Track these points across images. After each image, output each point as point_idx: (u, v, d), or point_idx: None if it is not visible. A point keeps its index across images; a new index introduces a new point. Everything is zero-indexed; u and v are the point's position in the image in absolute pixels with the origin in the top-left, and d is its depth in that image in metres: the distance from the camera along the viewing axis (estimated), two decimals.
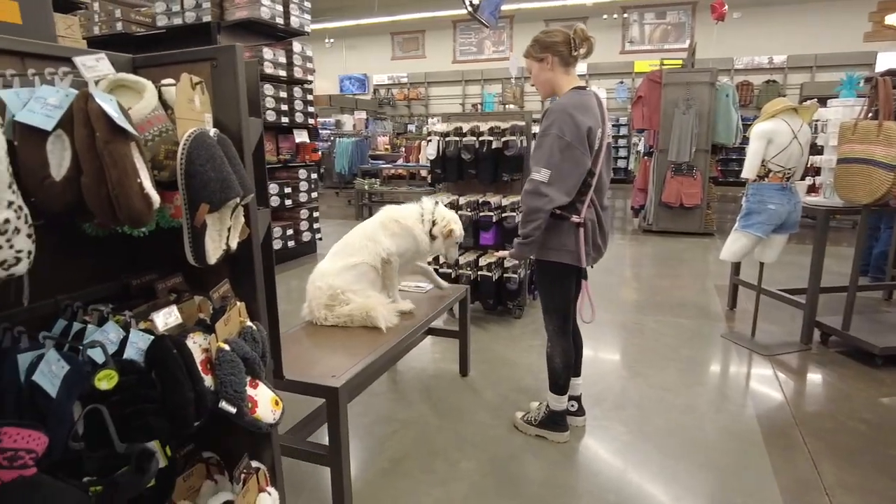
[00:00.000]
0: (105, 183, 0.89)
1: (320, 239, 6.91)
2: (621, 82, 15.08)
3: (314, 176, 6.66)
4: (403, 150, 11.70)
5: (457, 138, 4.01)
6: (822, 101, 4.46)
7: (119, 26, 5.99)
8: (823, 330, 3.85)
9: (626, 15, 14.98)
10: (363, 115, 14.10)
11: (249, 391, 1.25)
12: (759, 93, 13.90)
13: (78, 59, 0.95)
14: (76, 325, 1.15)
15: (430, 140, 4.13)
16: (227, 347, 1.20)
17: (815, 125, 4.18)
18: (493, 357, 3.66)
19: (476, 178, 4.07)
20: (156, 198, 0.96)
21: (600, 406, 3.03)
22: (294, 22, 6.19)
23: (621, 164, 15.10)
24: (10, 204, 0.82)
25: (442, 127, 4.12)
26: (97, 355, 1.01)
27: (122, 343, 1.09)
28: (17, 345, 1.04)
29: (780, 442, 2.67)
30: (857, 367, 3.51)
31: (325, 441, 2.08)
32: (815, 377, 3.47)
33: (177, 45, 5.29)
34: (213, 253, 1.13)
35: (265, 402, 1.27)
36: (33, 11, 1.25)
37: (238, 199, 1.14)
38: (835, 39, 13.41)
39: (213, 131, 1.19)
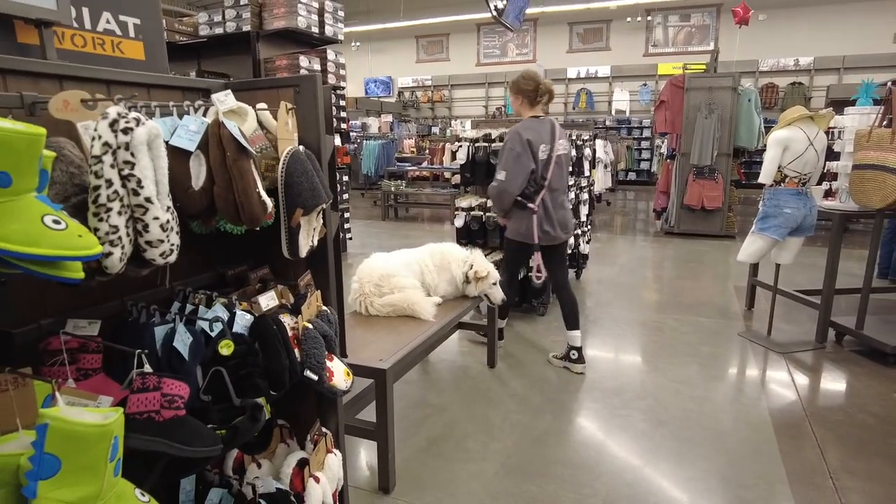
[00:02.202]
0: (232, 191, 1.15)
1: (350, 239, 7.19)
2: (644, 84, 15.15)
3: (345, 178, 6.95)
4: (428, 152, 11.97)
5: (486, 144, 4.24)
6: (852, 104, 4.58)
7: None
8: (838, 329, 3.99)
9: (649, 17, 15.05)
10: (389, 117, 14.39)
11: (327, 363, 1.50)
12: (785, 95, 13.86)
13: (214, 96, 1.21)
14: (189, 306, 1.41)
15: (460, 146, 4.37)
16: (310, 326, 1.46)
17: (833, 132, 4.31)
18: (518, 350, 3.89)
19: None
20: (270, 204, 1.21)
21: (620, 396, 3.24)
22: (328, 30, 6.48)
23: (644, 166, 15.17)
24: (169, 208, 1.07)
25: (472, 133, 4.35)
26: (216, 328, 1.27)
27: (230, 321, 1.35)
28: (151, 320, 1.30)
29: (789, 431, 2.85)
30: (870, 364, 3.66)
31: (372, 418, 2.33)
32: (827, 374, 3.62)
33: (217, 53, 5.62)
34: (304, 248, 1.39)
35: (339, 373, 1.52)
36: (153, 49, 1.51)
37: (324, 204, 1.40)
38: (863, 40, 13.32)
39: (302, 148, 1.45)
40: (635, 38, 15.43)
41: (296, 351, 1.43)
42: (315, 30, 6.27)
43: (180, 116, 1.23)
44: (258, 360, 1.29)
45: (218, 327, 1.26)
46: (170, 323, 1.28)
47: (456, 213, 4.44)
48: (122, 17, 1.43)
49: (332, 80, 6.49)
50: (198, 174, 1.16)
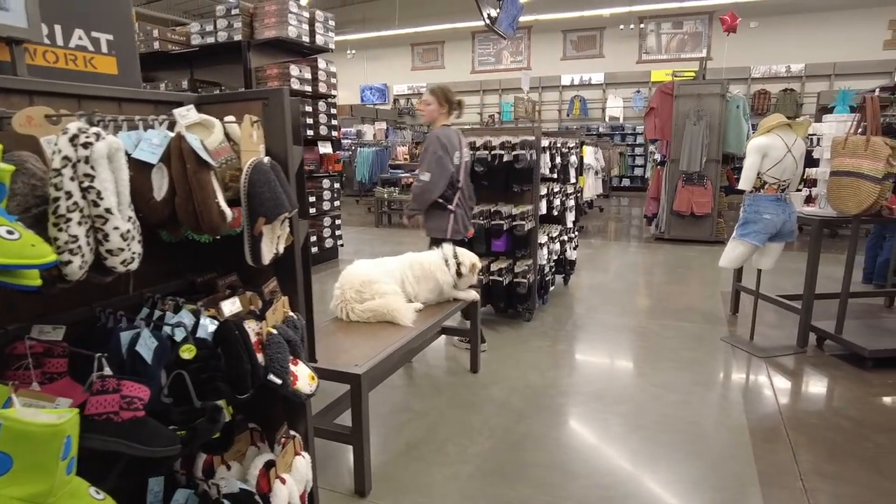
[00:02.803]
0: (192, 202, 1.20)
1: (342, 245, 7.24)
2: (638, 91, 15.27)
3: (336, 185, 7.01)
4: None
5: (471, 152, 4.30)
6: (830, 111, 4.65)
7: (156, 45, 6.43)
8: (818, 334, 4.04)
9: (642, 25, 15.19)
10: (383, 125, 14.48)
11: (291, 367, 1.54)
12: (777, 101, 13.97)
13: (176, 111, 1.27)
14: (157, 312, 1.46)
15: None
16: (274, 331, 1.51)
17: (812, 139, 4.38)
18: (502, 356, 3.93)
19: (488, 189, 4.35)
20: (229, 213, 1.26)
21: (600, 401, 3.28)
22: (319, 40, 6.56)
23: (638, 172, 15.26)
24: (130, 218, 1.12)
25: None
26: (179, 334, 1.32)
27: (195, 326, 1.39)
28: (118, 325, 1.35)
29: (765, 435, 2.89)
30: (849, 369, 3.70)
31: (350, 423, 2.37)
32: (806, 378, 3.67)
33: (210, 62, 5.68)
34: (267, 256, 1.43)
35: (304, 377, 1.56)
36: (126, 64, 1.56)
37: (287, 213, 1.44)
38: (854, 47, 13.45)
39: (266, 159, 1.50)
40: (628, 46, 15.57)
41: (260, 355, 1.47)
42: (306, 39, 6.36)
43: (147, 130, 1.28)
44: (220, 364, 1.33)
45: (181, 333, 1.31)
46: (136, 328, 1.32)
47: None
48: (94, 34, 1.48)
49: (323, 88, 6.57)
50: (160, 185, 1.21)
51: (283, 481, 1.60)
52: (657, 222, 8.39)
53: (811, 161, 4.31)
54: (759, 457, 2.68)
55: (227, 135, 1.50)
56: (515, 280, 4.40)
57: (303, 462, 1.71)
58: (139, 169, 1.19)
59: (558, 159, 4.82)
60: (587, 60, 16.16)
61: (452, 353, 4.02)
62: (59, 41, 1.42)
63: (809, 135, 4.25)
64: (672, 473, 2.57)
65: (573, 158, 5.30)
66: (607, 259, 7.30)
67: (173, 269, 1.66)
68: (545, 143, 4.51)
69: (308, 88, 6.37)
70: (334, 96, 6.92)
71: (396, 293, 3.01)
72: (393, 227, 10.22)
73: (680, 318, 4.75)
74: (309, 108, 6.37)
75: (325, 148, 6.84)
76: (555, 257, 5.04)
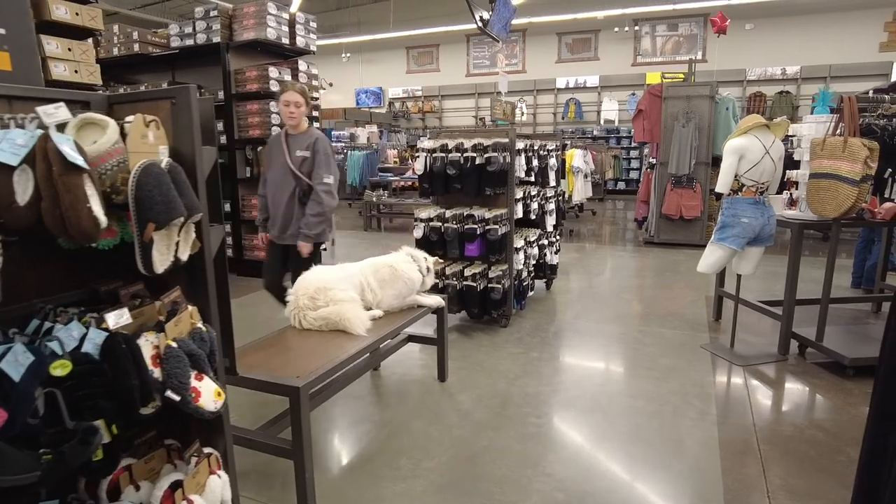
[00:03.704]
0: (59, 206, 1.10)
1: (324, 249, 7.13)
2: (633, 94, 15.14)
3: None
4: (412, 162, 11.97)
5: (443, 154, 4.21)
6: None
7: (136, 47, 6.35)
8: (800, 341, 3.93)
9: (637, 27, 15.10)
10: (374, 128, 14.40)
11: (194, 383, 1.44)
12: (773, 104, 13.85)
13: (40, 109, 1.17)
14: (47, 324, 1.36)
15: (417, 156, 4.33)
16: (174, 345, 1.41)
17: (792, 140, 4.28)
18: (472, 364, 3.83)
19: (461, 192, 4.26)
20: (102, 219, 1.16)
21: (569, 410, 3.18)
22: (300, 42, 6.48)
23: (633, 175, 15.15)
24: None
25: (429, 143, 4.32)
26: (57, 348, 1.22)
27: (82, 339, 1.29)
28: None
29: (735, 448, 2.78)
30: (830, 377, 3.59)
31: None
32: (784, 387, 3.56)
33: (189, 64, 5.59)
34: (160, 264, 1.34)
35: (208, 393, 1.46)
36: (23, 60, 1.47)
37: (182, 219, 1.35)
38: (850, 49, 13.33)
39: (165, 161, 1.40)
40: (623, 48, 15.48)
41: (157, 371, 1.38)
42: (286, 41, 6.27)
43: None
44: (103, 380, 1.24)
45: (57, 347, 1.21)
46: (10, 342, 1.22)
47: (415, 223, 4.39)
48: None
49: None
50: (24, 189, 1.11)
51: (191, 503, 1.50)
52: (647, 226, 8.28)
53: (793, 163, 4.20)
54: (727, 471, 2.57)
55: (124, 136, 1.41)
56: (490, 285, 4.30)
57: (217, 482, 1.61)
58: (0, 171, 1.10)
59: (535, 162, 4.72)
60: (582, 63, 16.07)
61: (424, 360, 3.91)
62: None
63: (789, 136, 4.14)
64: (634, 488, 2.46)
65: (553, 161, 5.20)
66: (594, 263, 7.19)
67: (80, 278, 1.56)
68: (520, 145, 4.41)
69: None
70: (317, 99, 6.82)
71: (353, 300, 2.91)
72: (383, 230, 10.13)
73: (661, 325, 4.64)
74: None
75: None
76: (534, 262, 4.93)
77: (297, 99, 3.46)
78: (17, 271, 1.44)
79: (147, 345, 1.39)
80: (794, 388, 3.52)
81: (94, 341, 1.30)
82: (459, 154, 4.15)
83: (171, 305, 1.47)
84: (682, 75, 8.11)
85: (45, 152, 1.11)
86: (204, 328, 1.54)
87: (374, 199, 9.77)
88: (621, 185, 15.29)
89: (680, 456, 2.70)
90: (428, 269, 3.39)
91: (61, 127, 1.27)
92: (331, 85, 17.90)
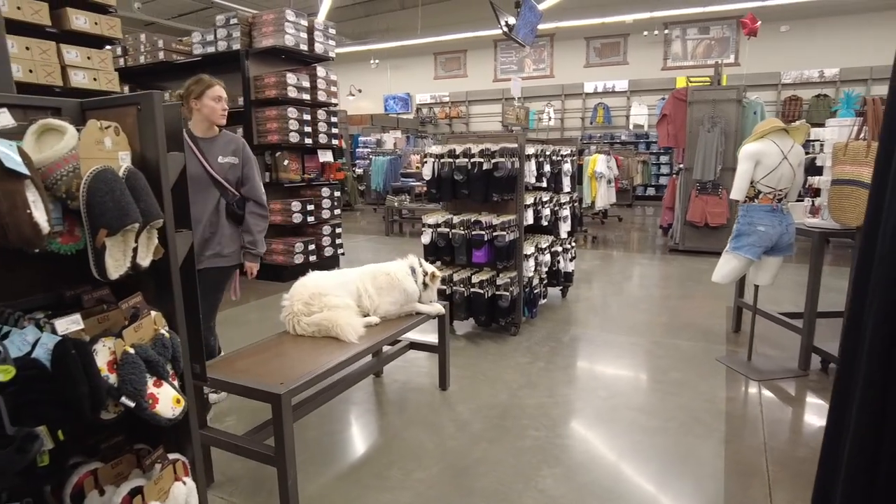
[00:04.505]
0: (0, 213, 1.11)
1: (343, 254, 7.18)
2: (663, 98, 14.81)
3: (337, 194, 6.96)
4: (420, 167, 11.95)
5: (450, 160, 4.17)
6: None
7: (161, 55, 6.52)
8: (821, 356, 3.75)
9: (667, 31, 14.81)
10: (398, 133, 14.47)
11: (152, 389, 1.44)
12: (809, 108, 13.38)
13: None
14: (5, 329, 1.37)
15: (425, 161, 4.30)
16: (131, 351, 1.40)
17: (814, 145, 4.09)
18: (476, 373, 3.76)
19: (469, 198, 4.21)
20: (44, 225, 1.16)
21: (568, 424, 3.09)
22: (318, 48, 6.54)
23: (663, 181, 14.83)
24: None
25: (437, 149, 4.29)
26: (5, 352, 1.22)
27: (34, 345, 1.30)
28: None
29: (741, 468, 2.65)
30: None
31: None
32: (802, 405, 3.39)
33: (212, 71, 5.75)
34: (115, 269, 1.33)
35: (166, 400, 1.45)
36: None
37: (137, 225, 1.34)
38: (892, 51, 12.76)
39: (123, 167, 1.40)
40: (653, 52, 15.21)
41: (113, 376, 1.37)
42: (304, 47, 6.34)
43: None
44: (49, 385, 1.23)
45: (4, 351, 1.21)
46: None
47: (422, 229, 4.36)
48: None
49: (322, 96, 6.55)
50: None
51: None
52: (672, 233, 8.07)
53: (815, 169, 4.02)
54: (729, 493, 2.45)
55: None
56: (498, 293, 4.23)
57: (181, 489, 1.59)
58: None
59: (547, 167, 4.64)
60: (611, 67, 15.85)
61: (426, 367, 3.86)
62: None
63: (811, 140, 3.96)
64: None
65: (567, 166, 5.10)
66: (614, 271, 7.04)
67: (48, 282, 1.58)
68: (531, 150, 4.34)
69: (306, 97, 6.34)
70: (335, 104, 6.89)
71: (348, 307, 2.89)
72: (403, 235, 10.14)
73: (676, 336, 4.49)
74: (308, 117, 6.34)
75: (325, 156, 6.80)
76: (546, 269, 4.84)
77: (225, 94, 3.07)
78: None
79: (104, 350, 1.39)
80: (814, 407, 3.35)
81: (45, 346, 1.29)
82: (467, 160, 4.10)
83: (131, 311, 1.47)
84: (708, 79, 7.89)
85: None
86: (167, 334, 1.53)
87: (395, 204, 9.79)
88: (651, 191, 14.97)
89: (681, 475, 2.59)
90: (426, 284, 3.31)
91: (12, 133, 1.28)
92: (360, 91, 18.12)
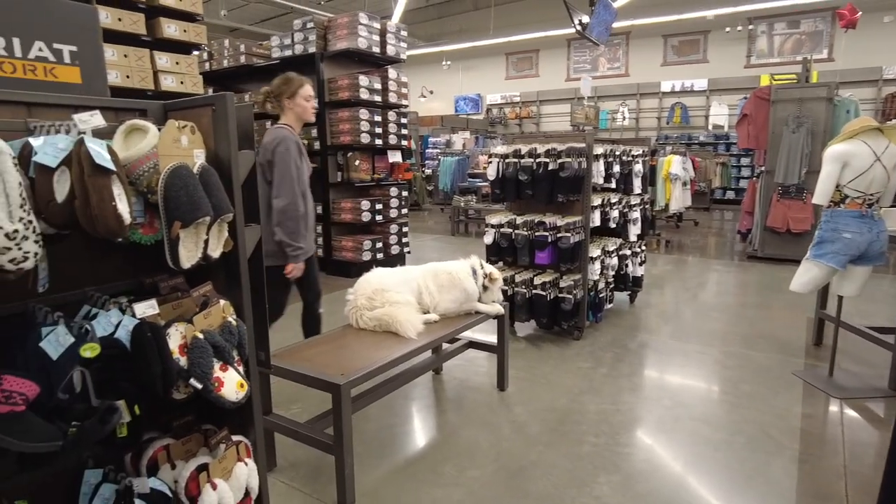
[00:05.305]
0: (89, 205, 1.22)
1: (408, 252, 7.31)
2: (745, 98, 14.06)
3: (405, 193, 7.09)
4: (485, 168, 11.92)
5: (515, 160, 4.16)
6: None
7: (242, 59, 6.88)
8: None
9: (751, 26, 14.02)
10: (467, 134, 14.53)
11: (218, 373, 1.53)
12: None
13: (76, 116, 1.31)
14: (94, 311, 1.51)
15: (490, 162, 4.31)
16: (200, 336, 1.50)
17: None
18: (536, 375, 3.73)
19: (533, 199, 4.18)
20: (127, 217, 1.27)
21: (629, 432, 3.00)
22: (390, 50, 6.69)
23: (743, 184, 14.06)
24: (21, 219, 1.16)
25: (502, 149, 4.29)
26: (89, 332, 1.35)
27: (117, 326, 1.42)
28: (44, 321, 1.41)
29: (815, 491, 2.49)
30: None
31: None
32: (891, 427, 3.12)
33: (287, 72, 5.83)
34: (187, 260, 1.44)
35: (231, 384, 1.55)
36: (91, 73, 1.65)
37: (208, 218, 1.44)
38: None
39: (198, 164, 1.51)
40: (735, 49, 14.45)
41: (183, 359, 1.48)
42: (377, 50, 6.50)
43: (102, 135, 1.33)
44: (128, 364, 1.35)
45: (90, 331, 1.34)
46: (57, 325, 1.37)
47: (485, 229, 4.37)
48: (56, 45, 1.58)
49: (393, 98, 6.69)
50: (62, 189, 1.24)
51: (214, 487, 1.59)
52: (751, 239, 7.66)
53: None
54: None
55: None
56: (560, 295, 4.17)
57: (243, 470, 1.69)
58: (42, 172, 1.24)
59: (616, 168, 4.52)
60: (689, 66, 15.20)
61: (485, 367, 3.87)
62: (18, 53, 1.52)
63: None
64: None
65: (638, 167, 4.95)
66: (687, 277, 6.76)
67: (129, 270, 1.72)
68: (599, 150, 4.25)
69: (378, 98, 6.50)
70: (406, 106, 7.01)
71: (408, 303, 2.95)
72: (469, 235, 10.17)
73: (750, 347, 4.27)
74: (378, 118, 6.50)
75: (394, 157, 6.95)
76: (613, 273, 4.72)
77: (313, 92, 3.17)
78: (75, 262, 1.61)
79: (177, 334, 1.50)
80: None
81: (126, 328, 1.42)
82: (532, 160, 4.07)
83: (202, 299, 1.57)
84: (794, 76, 7.41)
85: (79, 155, 1.23)
86: (234, 322, 1.63)
87: (461, 204, 9.85)
88: (730, 195, 14.24)
89: (746, 492, 2.46)
90: (485, 286, 3.31)
91: (104, 133, 1.40)
92: (431, 93, 18.35)
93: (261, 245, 1.76)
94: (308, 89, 3.14)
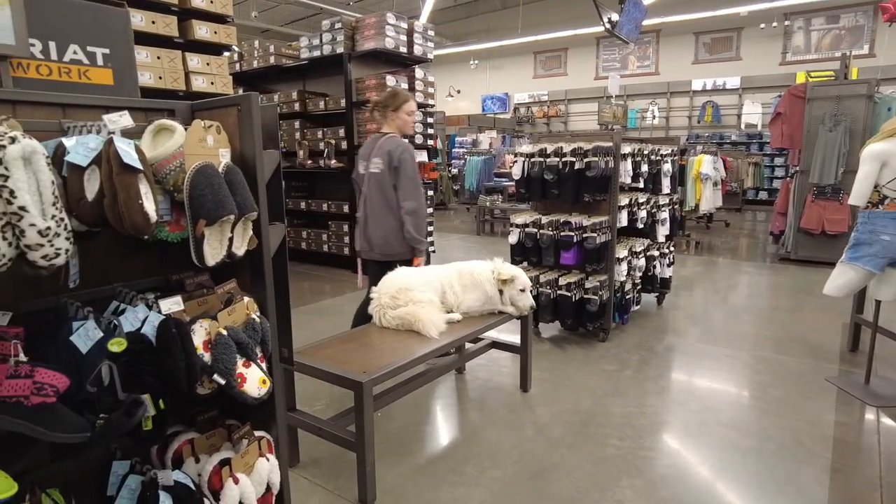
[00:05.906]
0: (117, 202, 1.26)
1: (434, 251, 7.32)
2: (779, 96, 13.69)
3: (431, 193, 7.10)
4: (510, 167, 11.85)
5: (541, 159, 4.13)
6: None
7: (272, 59, 6.98)
8: None
9: (787, 22, 13.64)
10: (493, 133, 14.47)
11: (241, 369, 1.56)
12: None
13: (105, 117, 1.34)
14: (122, 306, 1.55)
15: (515, 161, 4.29)
16: (224, 332, 1.53)
17: None
18: (560, 376, 3.70)
19: (559, 198, 4.14)
20: (153, 215, 1.30)
21: (653, 436, 2.96)
22: (417, 50, 6.71)
23: (777, 184, 13.70)
24: (53, 216, 1.20)
25: (527, 148, 4.26)
26: (117, 327, 1.38)
27: (143, 321, 1.46)
28: (76, 315, 1.45)
29: (849, 501, 2.41)
30: None
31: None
32: None
33: (318, 74, 6.11)
34: (211, 257, 1.46)
35: (253, 380, 1.57)
36: (123, 75, 1.70)
37: (232, 216, 1.47)
38: None
39: (223, 163, 1.53)
40: (770, 46, 14.08)
41: (207, 355, 1.50)
42: (404, 50, 6.52)
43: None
44: (153, 359, 1.38)
45: (118, 326, 1.37)
46: (87, 319, 1.41)
47: (510, 228, 4.35)
48: (90, 48, 1.62)
49: (419, 97, 6.70)
50: (92, 187, 1.28)
51: (236, 481, 1.62)
52: (784, 240, 7.46)
53: None
54: None
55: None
56: (586, 296, 4.13)
57: (265, 465, 1.71)
58: (74, 171, 1.28)
59: (644, 167, 4.45)
60: (721, 63, 14.87)
61: (508, 367, 3.86)
62: (54, 56, 1.57)
63: None
64: None
65: (667, 167, 4.87)
66: (717, 279, 6.62)
67: (158, 267, 1.76)
68: (627, 149, 4.19)
69: None
70: (432, 105, 7.02)
71: (431, 302, 2.95)
72: (494, 235, 10.14)
73: (781, 351, 4.15)
74: None
75: (420, 156, 6.96)
76: (640, 274, 4.65)
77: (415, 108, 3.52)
78: (105, 259, 1.66)
79: (201, 330, 1.53)
80: None
81: (152, 323, 1.45)
82: (558, 159, 4.04)
83: (226, 296, 1.60)
84: (832, 73, 7.19)
85: (108, 155, 1.26)
86: (258, 319, 1.65)
87: (487, 203, 9.82)
88: (763, 195, 13.89)
89: (775, 501, 2.40)
90: (500, 291, 3.22)
91: (133, 132, 1.44)
92: (458, 92, 18.35)
93: (285, 243, 1.78)
94: (412, 105, 3.48)
